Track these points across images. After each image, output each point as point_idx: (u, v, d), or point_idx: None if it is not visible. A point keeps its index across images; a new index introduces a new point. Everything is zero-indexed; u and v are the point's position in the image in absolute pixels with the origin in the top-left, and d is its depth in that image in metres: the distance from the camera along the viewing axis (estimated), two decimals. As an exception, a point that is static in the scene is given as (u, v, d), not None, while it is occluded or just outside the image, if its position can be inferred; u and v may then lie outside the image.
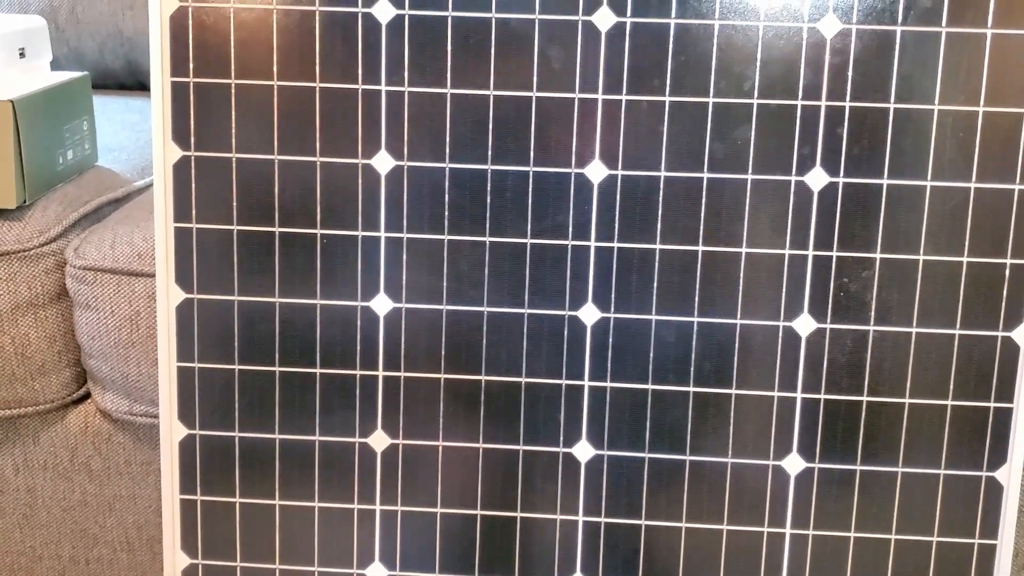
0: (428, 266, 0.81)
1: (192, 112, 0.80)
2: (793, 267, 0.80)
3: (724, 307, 0.80)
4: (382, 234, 0.81)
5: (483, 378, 0.82)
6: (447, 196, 0.80)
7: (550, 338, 0.81)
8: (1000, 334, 0.80)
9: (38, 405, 1.01)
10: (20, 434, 1.04)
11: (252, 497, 0.85)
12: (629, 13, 0.77)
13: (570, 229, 0.80)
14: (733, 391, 0.81)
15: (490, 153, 0.79)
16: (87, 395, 1.04)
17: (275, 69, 0.79)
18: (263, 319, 0.82)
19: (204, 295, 0.82)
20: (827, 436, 0.82)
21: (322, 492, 0.85)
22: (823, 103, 0.77)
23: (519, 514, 0.84)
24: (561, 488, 0.84)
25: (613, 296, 0.81)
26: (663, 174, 0.79)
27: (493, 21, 0.78)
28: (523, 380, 0.82)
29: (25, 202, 0.99)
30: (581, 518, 0.84)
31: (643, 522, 0.84)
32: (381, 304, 0.82)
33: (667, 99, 0.78)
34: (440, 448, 0.84)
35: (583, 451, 0.83)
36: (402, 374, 0.83)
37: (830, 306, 0.80)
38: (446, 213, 0.80)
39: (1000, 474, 0.82)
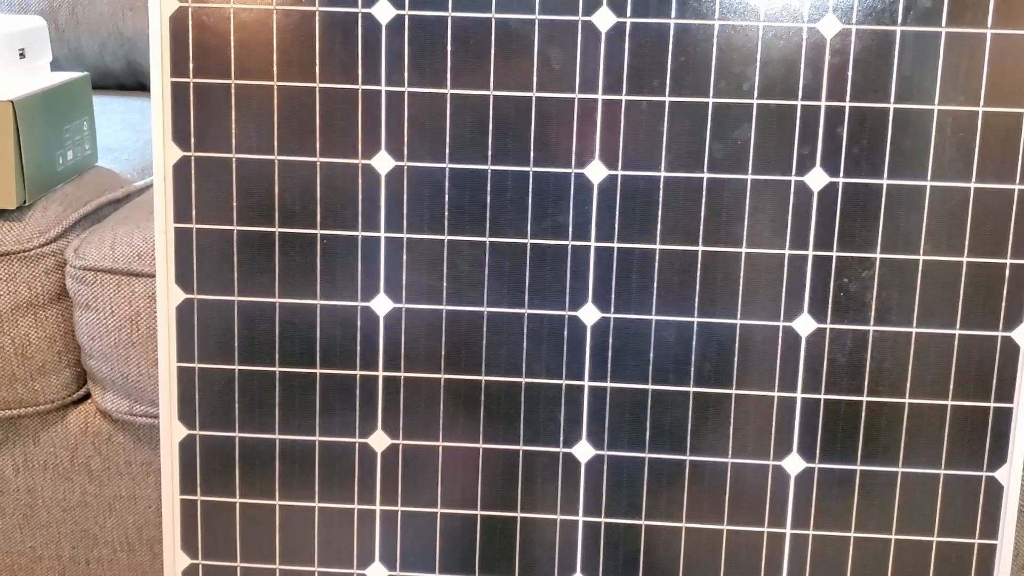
0: (428, 266, 0.81)
1: (192, 112, 0.80)
2: (793, 267, 0.80)
3: (724, 307, 0.80)
4: (382, 234, 0.81)
5: (483, 378, 0.82)
6: (447, 196, 0.80)
7: (550, 338, 0.81)
8: (1000, 334, 0.80)
9: (38, 405, 1.01)
10: (20, 434, 1.04)
11: (252, 497, 0.85)
12: (629, 13, 0.77)
13: (570, 229, 0.80)
14: (733, 391, 0.81)
15: (490, 153, 0.79)
16: (87, 395, 1.04)
17: (275, 69, 0.79)
18: (263, 319, 0.82)
19: (204, 295, 0.82)
20: (827, 436, 0.82)
21: (322, 492, 0.85)
22: (823, 103, 0.77)
23: (519, 514, 0.84)
24: (561, 488, 0.84)
25: (613, 296, 0.81)
26: (663, 174, 0.79)
27: (493, 21, 0.78)
28: (523, 380, 0.82)
29: (25, 202, 0.99)
30: (581, 518, 0.84)
31: (643, 522, 0.84)
32: (381, 304, 0.82)
33: (667, 99, 0.78)
34: (440, 448, 0.84)
35: (583, 451, 0.83)
36: (402, 374, 0.83)
37: (830, 306, 0.80)
38: (446, 213, 0.80)
39: (1000, 474, 0.82)
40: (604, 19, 0.77)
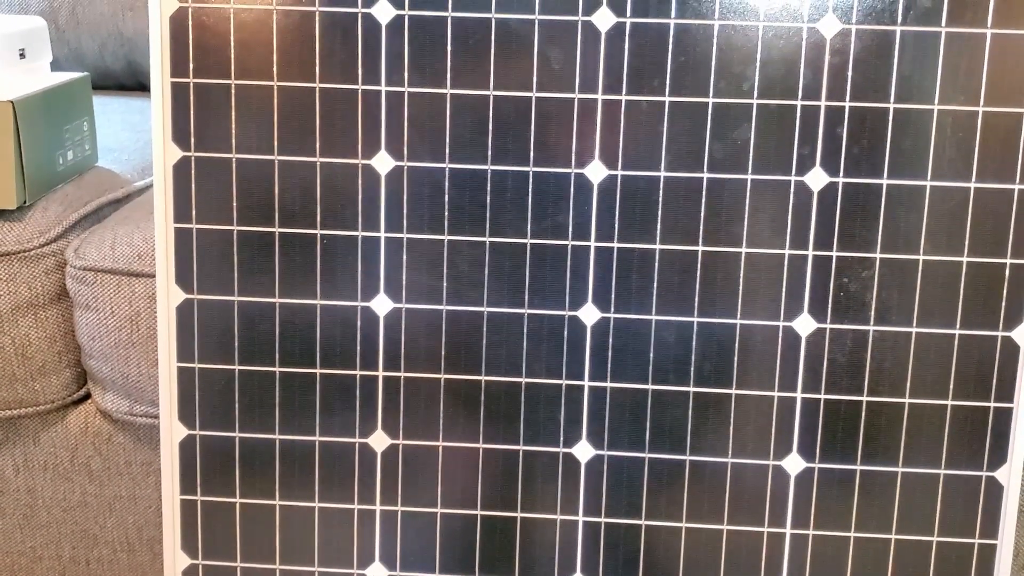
0: (428, 266, 0.81)
1: (192, 113, 0.80)
2: (793, 267, 0.80)
3: (724, 307, 0.80)
4: (382, 234, 0.81)
5: (483, 378, 0.82)
6: (447, 196, 0.80)
7: (550, 338, 0.81)
8: (1000, 334, 0.80)
9: (38, 406, 1.01)
10: (20, 435, 1.04)
11: (252, 497, 0.85)
12: (629, 13, 0.77)
13: (570, 229, 0.80)
14: (733, 391, 0.81)
15: (490, 153, 0.79)
16: (87, 396, 1.04)
17: (275, 70, 0.79)
18: (263, 319, 0.82)
19: (204, 295, 0.82)
20: (827, 436, 0.82)
21: (322, 492, 0.85)
22: (823, 103, 0.77)
23: (519, 514, 0.84)
24: (561, 488, 0.84)
25: (613, 296, 0.81)
26: (663, 174, 0.79)
27: (493, 21, 0.78)
28: (523, 380, 0.82)
29: (25, 203, 0.99)
30: (581, 518, 0.84)
31: (643, 522, 0.84)
32: (381, 304, 0.82)
33: (667, 99, 0.78)
34: (440, 448, 0.84)
35: (583, 451, 0.83)
36: (402, 374, 0.83)
37: (830, 306, 0.80)
38: (446, 213, 0.80)
39: (1000, 474, 0.82)
40: (604, 19, 0.77)
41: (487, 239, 0.80)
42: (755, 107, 0.78)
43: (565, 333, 0.81)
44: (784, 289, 0.80)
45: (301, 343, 0.83)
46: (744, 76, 0.77)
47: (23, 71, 1.08)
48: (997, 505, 0.82)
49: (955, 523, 0.83)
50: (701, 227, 0.79)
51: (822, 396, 0.81)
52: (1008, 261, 0.79)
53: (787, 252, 0.79)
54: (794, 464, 0.82)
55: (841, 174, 0.78)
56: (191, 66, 0.79)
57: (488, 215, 0.80)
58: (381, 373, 0.83)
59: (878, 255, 0.79)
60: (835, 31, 0.77)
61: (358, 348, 0.82)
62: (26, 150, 0.98)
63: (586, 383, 0.82)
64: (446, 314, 0.82)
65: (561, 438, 0.83)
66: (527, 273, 0.81)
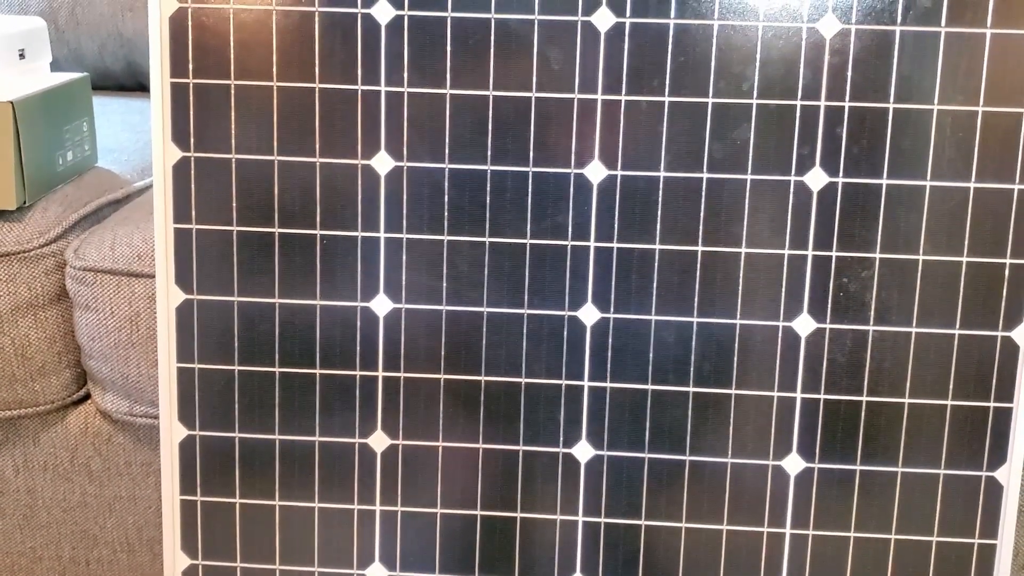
0: (427, 266, 0.81)
1: (192, 113, 0.80)
2: (792, 267, 0.80)
3: (724, 307, 0.80)
4: (381, 235, 0.81)
5: (483, 378, 0.82)
6: (446, 197, 0.80)
7: (550, 338, 0.81)
8: (1000, 334, 0.80)
9: (38, 406, 1.01)
10: (20, 435, 1.04)
11: (252, 498, 0.85)
12: (628, 13, 0.77)
13: (569, 229, 0.80)
14: (733, 391, 0.81)
15: (489, 154, 0.79)
16: (87, 396, 1.04)
17: (274, 70, 0.79)
18: (263, 320, 0.82)
19: (204, 296, 0.82)
20: (827, 436, 0.82)
21: (322, 493, 0.85)
22: (822, 103, 0.77)
23: (519, 514, 0.84)
24: (561, 488, 0.84)
25: (613, 296, 0.81)
26: (662, 174, 0.79)
27: (492, 22, 0.78)
28: (523, 380, 0.82)
29: (25, 203, 0.99)
30: (581, 518, 0.84)
31: (643, 522, 0.84)
32: (381, 304, 0.82)
33: (666, 99, 0.78)
34: (440, 449, 0.84)
35: (583, 451, 0.83)
36: (402, 375, 0.83)
37: (829, 306, 0.80)
38: (445, 214, 0.80)
39: (1000, 474, 0.82)
40: (603, 19, 0.77)
41: (487, 239, 0.80)
42: (755, 107, 0.78)
43: (565, 333, 0.81)
44: (784, 289, 0.80)
45: (301, 343, 0.83)
46: (744, 76, 0.77)
47: (23, 71, 1.08)
48: (997, 505, 0.82)
49: (955, 523, 0.83)
50: (701, 227, 0.79)
51: (822, 396, 0.81)
52: (1008, 261, 0.79)
53: (787, 252, 0.79)
54: (794, 464, 0.82)
55: (841, 174, 0.78)
56: (191, 66, 0.79)
57: (488, 215, 0.80)
58: (381, 373, 0.83)
59: (878, 255, 0.79)
60: (835, 31, 0.77)
61: (358, 348, 0.82)
62: (26, 151, 0.98)
63: (586, 383, 0.82)
64: (446, 314, 0.82)
65: (561, 438, 0.83)
66: (527, 273, 0.81)
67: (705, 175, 0.79)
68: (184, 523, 0.86)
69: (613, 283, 0.80)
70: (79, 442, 1.04)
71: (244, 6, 0.78)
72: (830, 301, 0.80)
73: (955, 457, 0.82)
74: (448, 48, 0.78)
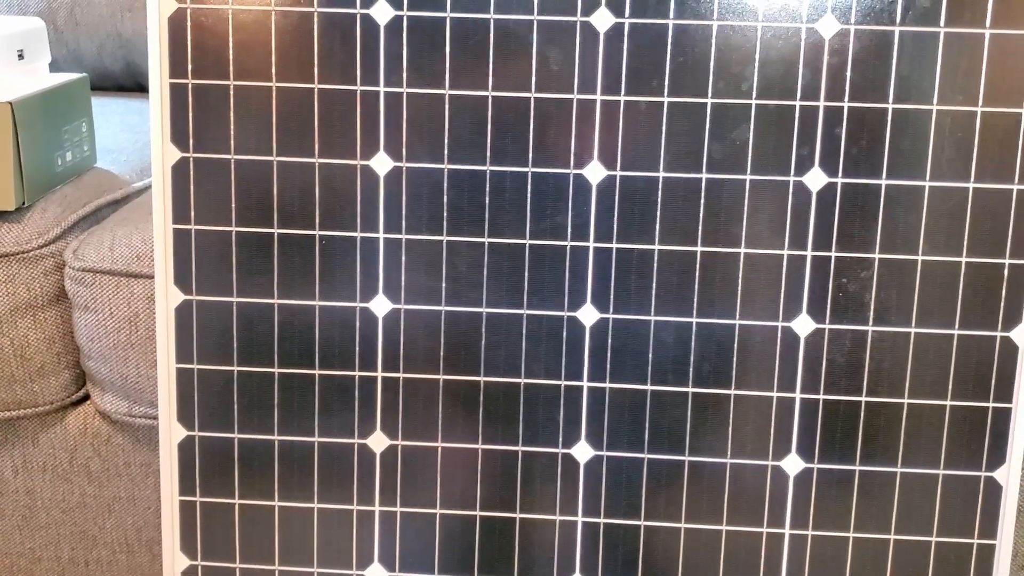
0: (427, 267, 0.81)
1: (191, 114, 0.80)
2: (792, 267, 0.80)
3: (723, 308, 0.80)
4: (381, 235, 0.81)
5: (482, 379, 0.82)
6: (446, 197, 0.80)
7: (549, 339, 0.81)
8: (999, 334, 0.80)
9: (37, 407, 1.01)
10: (19, 436, 1.04)
11: (251, 498, 0.85)
12: (627, 14, 0.77)
13: (569, 230, 0.80)
14: (732, 391, 0.81)
15: (488, 154, 0.79)
16: (86, 397, 1.04)
17: (273, 71, 0.79)
18: (262, 320, 0.82)
19: (203, 296, 0.82)
20: (826, 436, 0.82)
21: (321, 493, 0.85)
22: (821, 103, 0.77)
23: (518, 515, 0.84)
24: (560, 489, 0.84)
25: (612, 297, 0.81)
26: (662, 175, 0.79)
27: (491, 22, 0.78)
28: (522, 381, 0.82)
29: (24, 204, 0.99)
30: (580, 519, 0.84)
31: (642, 523, 0.84)
32: (380, 305, 0.82)
33: (665, 100, 0.78)
34: (439, 449, 0.84)
35: (582, 452, 0.83)
36: (401, 375, 0.83)
37: (829, 306, 0.80)
38: (445, 214, 0.80)
39: (999, 474, 0.82)
40: (603, 20, 0.77)
41: (486, 240, 0.80)
42: (754, 107, 0.78)
43: (564, 334, 0.81)
44: (783, 289, 0.80)
45: (300, 344, 0.83)
46: (743, 76, 0.77)
47: (22, 72, 1.08)
48: (996, 505, 0.82)
49: (954, 523, 0.83)
50: (700, 227, 0.79)
51: (821, 396, 0.81)
52: (1007, 261, 0.79)
53: (786, 252, 0.79)
54: (793, 464, 0.82)
55: (840, 174, 0.78)
56: (190, 67, 0.79)
57: (487, 216, 0.80)
58: (380, 374, 0.83)
59: (877, 255, 0.79)
60: (834, 31, 0.77)
61: (357, 349, 0.82)
62: (25, 151, 0.97)
63: (585, 384, 0.82)
64: (445, 315, 0.82)
65: (560, 439, 0.83)
66: (526, 274, 0.81)
67: (704, 175, 0.79)
68: (183, 524, 0.86)
69: (612, 283, 0.80)
70: (78, 443, 1.04)
71: (243, 7, 0.78)
72: (829, 301, 0.80)
73: (954, 457, 0.82)
74: (447, 49, 0.78)
